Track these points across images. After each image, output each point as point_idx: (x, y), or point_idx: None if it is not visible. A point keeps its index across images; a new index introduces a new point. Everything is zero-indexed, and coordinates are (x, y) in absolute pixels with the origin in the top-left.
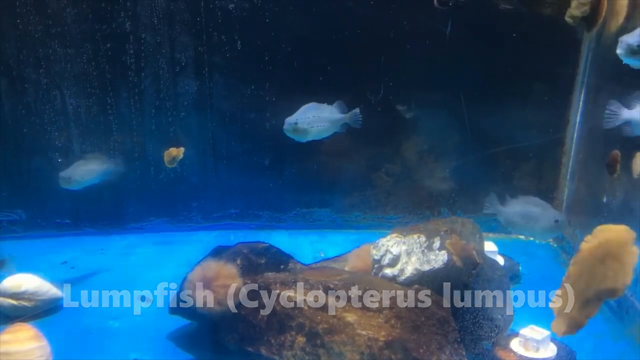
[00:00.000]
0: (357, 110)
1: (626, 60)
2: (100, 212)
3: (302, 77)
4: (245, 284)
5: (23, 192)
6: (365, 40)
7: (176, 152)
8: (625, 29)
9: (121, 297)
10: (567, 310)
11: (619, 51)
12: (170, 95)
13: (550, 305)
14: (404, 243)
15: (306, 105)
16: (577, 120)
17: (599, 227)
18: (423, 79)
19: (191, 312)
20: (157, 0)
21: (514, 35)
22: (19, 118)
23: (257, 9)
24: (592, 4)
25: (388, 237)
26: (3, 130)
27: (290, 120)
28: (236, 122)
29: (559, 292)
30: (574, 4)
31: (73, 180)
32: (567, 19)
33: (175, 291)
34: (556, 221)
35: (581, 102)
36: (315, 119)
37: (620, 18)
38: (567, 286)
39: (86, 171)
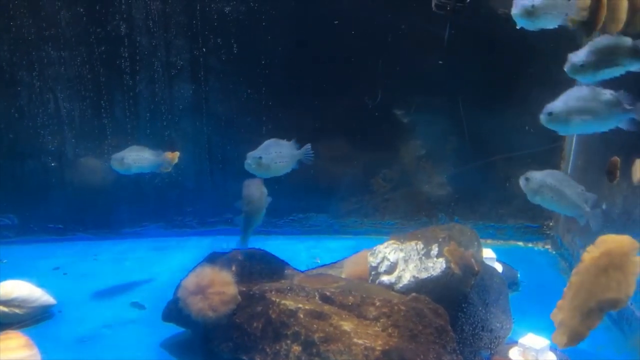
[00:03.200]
0: (308, 145)
1: (572, 76)
2: (94, 217)
3: (298, 81)
4: (240, 291)
5: (15, 196)
6: (363, 44)
7: (171, 156)
8: (625, 34)
9: (114, 304)
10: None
11: (565, 68)
12: (166, 99)
13: (552, 316)
14: (401, 250)
15: (268, 141)
16: None
17: (602, 237)
18: (421, 84)
19: (185, 320)
20: (152, 3)
21: (513, 39)
22: (11, 121)
23: (253, 12)
24: (591, 9)
25: (385, 244)
26: None
27: (254, 154)
28: (232, 126)
29: (560, 302)
30: None
31: (125, 163)
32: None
33: (169, 298)
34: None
35: None
36: (277, 155)
37: (620, 23)
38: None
39: (139, 157)
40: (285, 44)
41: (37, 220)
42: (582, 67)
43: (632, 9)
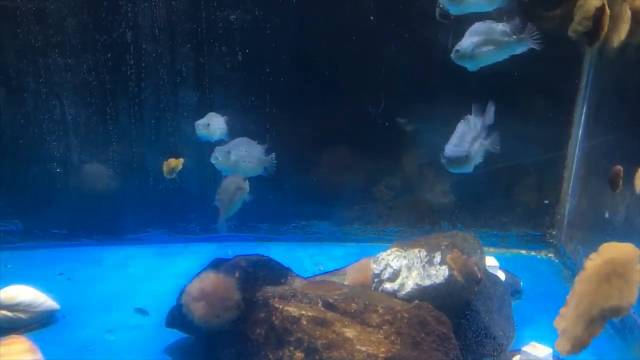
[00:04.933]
0: (273, 155)
1: (459, 63)
2: (98, 223)
3: (302, 89)
4: (243, 297)
5: (20, 202)
6: (366, 52)
7: (175, 163)
8: (628, 43)
9: (118, 310)
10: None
11: (452, 56)
12: (170, 106)
13: (554, 323)
14: (404, 257)
15: (239, 139)
16: (579, 135)
17: (604, 245)
18: (424, 92)
19: (188, 326)
20: (158, 11)
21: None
22: (17, 128)
23: (258, 20)
24: (594, 19)
25: (388, 251)
26: (1, 140)
27: (223, 149)
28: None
29: (563, 310)
30: (576, 18)
31: (211, 128)
32: (569, 33)
33: (173, 304)
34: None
35: (583, 117)
36: (246, 154)
37: (623, 33)
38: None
39: (221, 124)
40: (289, 51)
41: (42, 225)
42: (459, 53)
43: (635, 19)
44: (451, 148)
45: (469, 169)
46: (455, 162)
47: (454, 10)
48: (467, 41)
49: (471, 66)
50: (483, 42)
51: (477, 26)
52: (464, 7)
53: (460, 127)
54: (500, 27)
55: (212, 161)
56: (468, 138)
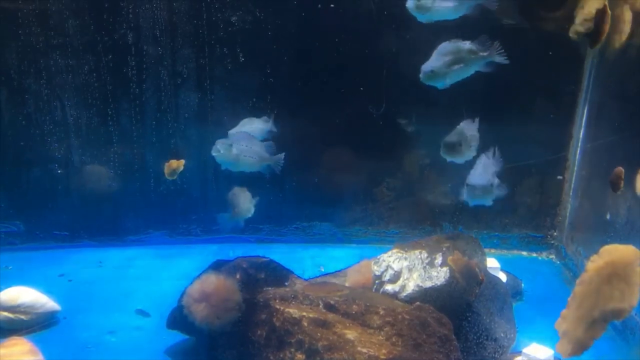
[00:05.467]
0: (281, 155)
1: (427, 83)
2: (99, 225)
3: (303, 90)
4: (244, 298)
5: (22, 203)
6: (367, 54)
7: (176, 164)
8: (629, 45)
9: (119, 311)
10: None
11: (422, 76)
12: (171, 107)
13: (556, 325)
14: (405, 259)
15: (240, 133)
16: (580, 137)
17: (605, 247)
18: (425, 93)
19: (189, 327)
20: (159, 13)
21: (517, 50)
22: (18, 129)
23: (259, 21)
24: (595, 20)
25: (389, 253)
26: (2, 142)
27: (224, 141)
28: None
29: (564, 312)
30: (577, 19)
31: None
32: (571, 34)
33: (174, 305)
34: None
35: (584, 118)
36: (247, 149)
37: (624, 34)
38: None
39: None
40: (290, 53)
41: (43, 227)
42: (433, 73)
43: (636, 20)
44: (476, 177)
45: (489, 200)
46: (479, 190)
47: (421, 18)
48: (437, 63)
49: (441, 85)
50: (452, 61)
51: (445, 46)
52: (430, 16)
53: (483, 159)
54: (467, 45)
55: (213, 153)
56: (490, 170)
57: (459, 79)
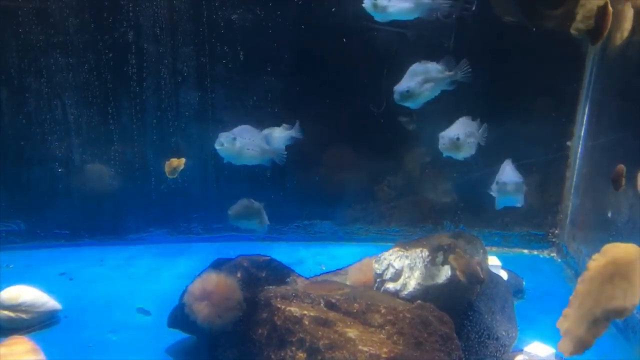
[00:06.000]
0: (283, 147)
1: (402, 104)
2: (100, 223)
3: (304, 89)
4: (245, 297)
5: (22, 202)
6: (368, 52)
7: (177, 163)
8: (630, 42)
9: (120, 310)
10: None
11: (397, 97)
12: (172, 106)
13: (557, 324)
14: (406, 257)
15: (242, 126)
16: (582, 134)
17: (607, 246)
18: None
19: (190, 326)
20: (159, 11)
21: (519, 48)
22: (19, 128)
23: (259, 20)
24: (597, 18)
25: (390, 251)
26: (3, 141)
27: (227, 134)
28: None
29: (565, 311)
30: (578, 17)
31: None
32: (572, 32)
33: (175, 304)
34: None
35: (585, 116)
36: (249, 142)
37: (625, 32)
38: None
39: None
40: (290, 51)
41: (44, 226)
42: (409, 93)
43: (637, 18)
44: (508, 175)
45: (519, 198)
46: (511, 186)
47: (378, 17)
48: (412, 83)
49: (413, 105)
50: (423, 81)
51: (415, 67)
52: (386, 15)
53: (508, 162)
54: (435, 65)
55: (217, 147)
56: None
57: (429, 99)
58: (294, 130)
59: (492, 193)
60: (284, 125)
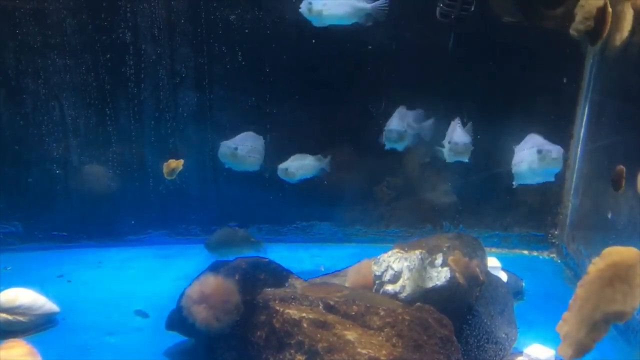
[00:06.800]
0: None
1: (393, 146)
2: (98, 225)
3: (302, 89)
4: (243, 300)
5: (20, 204)
6: (367, 52)
7: (175, 164)
8: (630, 43)
9: (118, 312)
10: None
11: (388, 140)
12: (170, 107)
13: (557, 328)
14: (405, 259)
15: (244, 133)
16: (581, 135)
17: (607, 249)
18: (425, 92)
19: (188, 329)
20: (157, 11)
21: (517, 49)
22: (16, 129)
23: (257, 20)
24: (596, 18)
25: (389, 253)
26: (0, 142)
27: (229, 144)
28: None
29: (565, 314)
30: (578, 18)
31: (290, 172)
32: (571, 32)
33: (173, 307)
34: None
35: (585, 117)
36: (252, 149)
37: (625, 32)
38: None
39: (302, 165)
40: (289, 52)
41: (42, 227)
42: (400, 135)
43: (637, 18)
44: (459, 135)
45: (467, 156)
46: (461, 147)
47: (315, 22)
48: (402, 125)
49: (401, 147)
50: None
51: (400, 111)
52: (322, 19)
53: (455, 122)
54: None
55: (220, 157)
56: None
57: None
58: (324, 163)
59: (443, 151)
60: (318, 156)
